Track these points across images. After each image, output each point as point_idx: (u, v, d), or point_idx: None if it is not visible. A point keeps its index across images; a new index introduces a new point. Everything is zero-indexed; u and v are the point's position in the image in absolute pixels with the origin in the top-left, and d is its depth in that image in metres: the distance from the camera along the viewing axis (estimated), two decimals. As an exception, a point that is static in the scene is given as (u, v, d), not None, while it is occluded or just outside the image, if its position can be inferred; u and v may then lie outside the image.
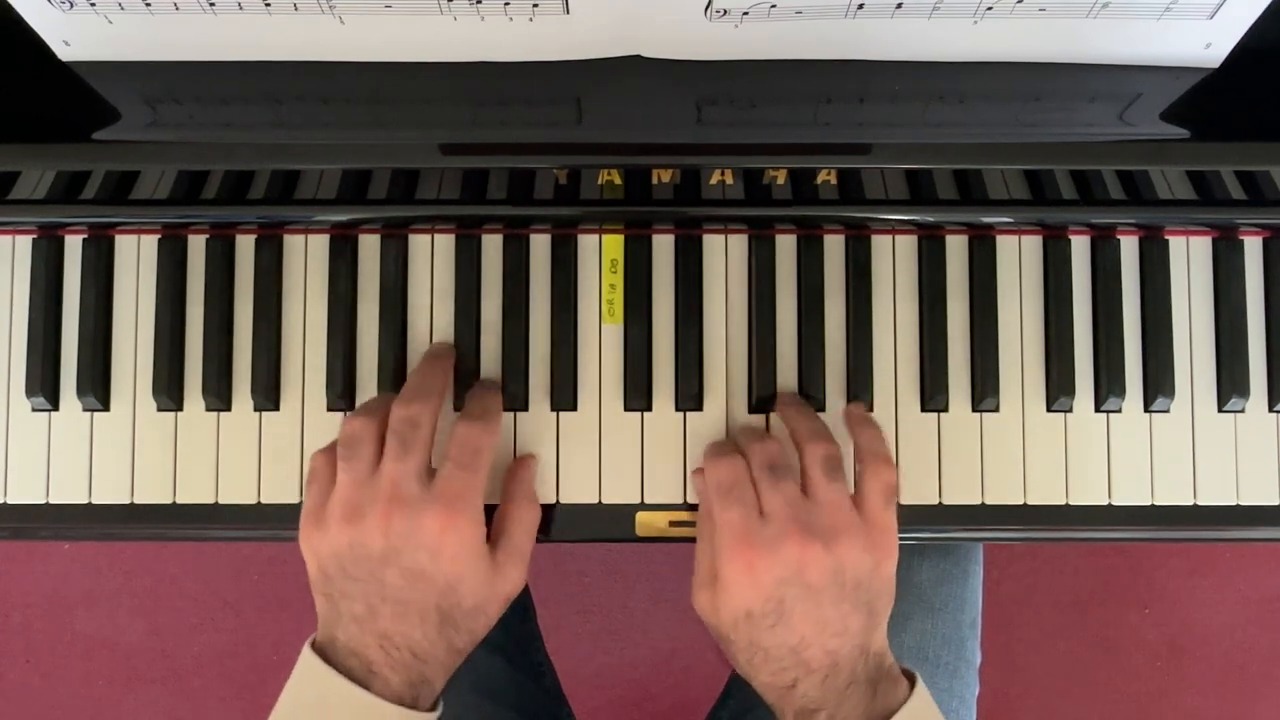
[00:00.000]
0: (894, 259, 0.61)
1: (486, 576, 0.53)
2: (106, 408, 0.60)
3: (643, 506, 0.60)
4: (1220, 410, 0.60)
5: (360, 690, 0.50)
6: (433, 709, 0.53)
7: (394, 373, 0.60)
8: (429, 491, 0.52)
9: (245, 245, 0.61)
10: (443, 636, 0.52)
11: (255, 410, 0.60)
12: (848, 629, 0.51)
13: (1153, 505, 0.60)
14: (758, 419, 0.60)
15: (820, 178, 0.56)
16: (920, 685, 0.52)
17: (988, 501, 0.60)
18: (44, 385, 0.60)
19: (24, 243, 0.61)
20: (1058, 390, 0.60)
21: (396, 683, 0.50)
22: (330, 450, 0.55)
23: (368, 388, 0.60)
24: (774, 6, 0.49)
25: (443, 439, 0.56)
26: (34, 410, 0.60)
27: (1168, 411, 0.60)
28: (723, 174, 0.56)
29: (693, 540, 0.57)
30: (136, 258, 0.61)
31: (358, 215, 0.59)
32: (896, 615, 0.71)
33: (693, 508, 0.60)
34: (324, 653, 0.51)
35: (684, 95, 0.53)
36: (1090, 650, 1.34)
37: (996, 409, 0.60)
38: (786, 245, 0.61)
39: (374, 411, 0.55)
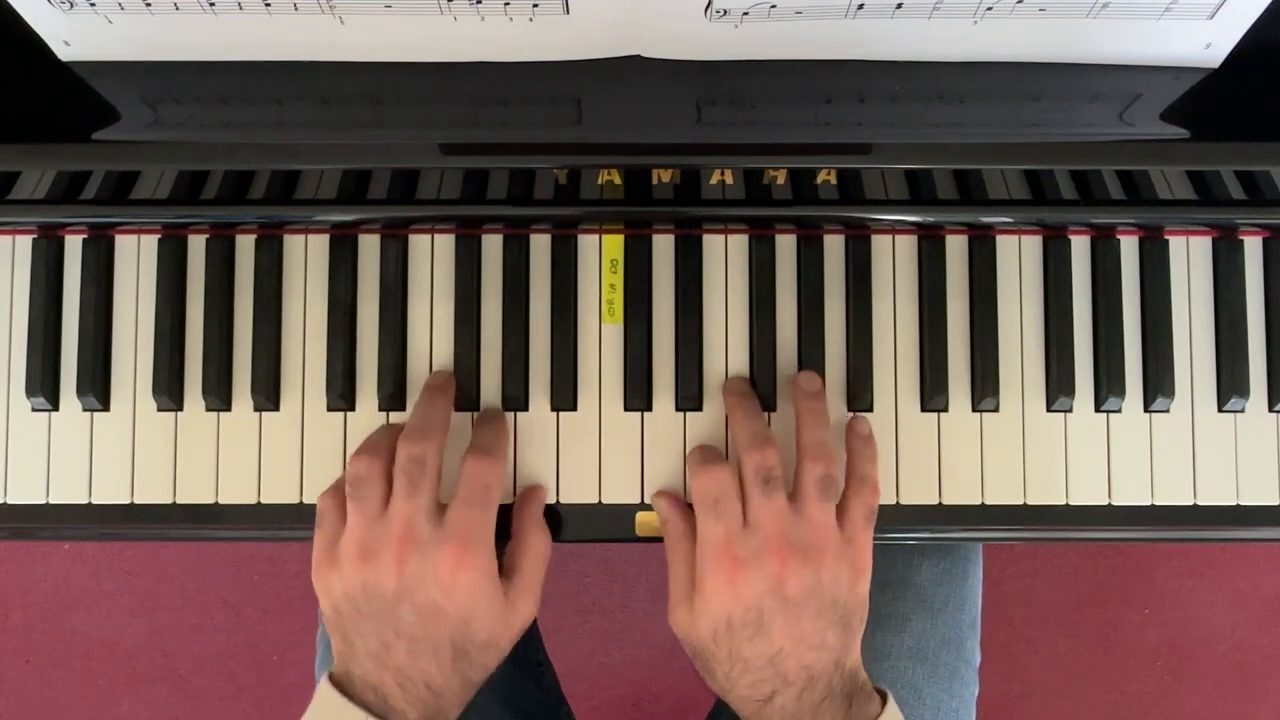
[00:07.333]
0: (894, 259, 0.61)
1: (499, 610, 0.53)
2: (106, 408, 0.60)
3: (643, 506, 0.60)
4: (1220, 410, 0.60)
5: None
6: None
7: (394, 373, 0.60)
8: (440, 530, 0.52)
9: (245, 245, 0.61)
10: (456, 671, 0.52)
11: (255, 410, 0.60)
12: (825, 643, 0.52)
13: (1153, 505, 0.60)
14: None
15: (820, 178, 0.56)
16: (891, 702, 0.53)
17: (988, 501, 0.60)
18: (44, 385, 0.60)
19: (24, 243, 0.61)
20: (1058, 390, 0.60)
21: (414, 717, 0.51)
22: (336, 492, 0.56)
23: (368, 388, 0.60)
24: (774, 6, 0.49)
25: (449, 468, 0.56)
26: (34, 410, 0.60)
27: (1168, 411, 0.60)
28: (723, 174, 0.56)
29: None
30: (136, 258, 0.61)
31: (358, 215, 0.59)
32: (896, 615, 0.71)
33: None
34: (341, 687, 0.52)
35: (684, 95, 0.53)
36: (1090, 650, 1.34)
37: (996, 409, 0.60)
38: (786, 245, 0.61)
39: (379, 449, 0.55)
